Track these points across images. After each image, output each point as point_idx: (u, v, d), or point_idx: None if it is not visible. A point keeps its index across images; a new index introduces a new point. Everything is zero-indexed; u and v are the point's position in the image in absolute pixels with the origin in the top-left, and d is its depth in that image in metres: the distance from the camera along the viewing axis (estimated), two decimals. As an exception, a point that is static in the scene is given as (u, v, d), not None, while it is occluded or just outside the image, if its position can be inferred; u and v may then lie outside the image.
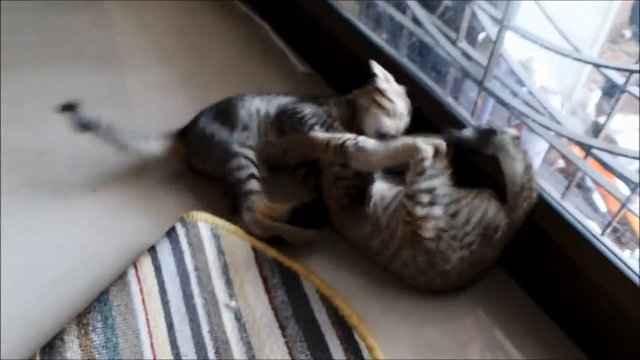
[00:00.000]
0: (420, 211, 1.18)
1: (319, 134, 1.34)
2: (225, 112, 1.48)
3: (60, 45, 1.91)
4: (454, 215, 1.19)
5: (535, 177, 1.21)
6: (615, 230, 1.30)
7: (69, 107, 1.40)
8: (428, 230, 1.18)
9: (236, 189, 1.38)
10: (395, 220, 1.24)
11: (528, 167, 1.20)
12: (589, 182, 1.62)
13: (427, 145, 1.17)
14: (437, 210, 1.18)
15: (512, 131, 1.22)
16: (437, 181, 1.19)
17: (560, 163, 1.80)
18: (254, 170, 1.40)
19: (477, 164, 1.29)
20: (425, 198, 1.18)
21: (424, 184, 1.18)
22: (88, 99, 1.69)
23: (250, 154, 1.42)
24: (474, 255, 1.20)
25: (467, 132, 1.26)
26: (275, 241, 1.33)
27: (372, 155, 1.23)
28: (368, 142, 1.25)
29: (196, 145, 1.47)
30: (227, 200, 1.39)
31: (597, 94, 1.81)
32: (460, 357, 1.22)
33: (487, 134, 1.23)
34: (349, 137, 1.26)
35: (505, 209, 1.21)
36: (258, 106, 1.49)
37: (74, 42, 1.93)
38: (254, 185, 1.38)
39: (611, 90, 1.07)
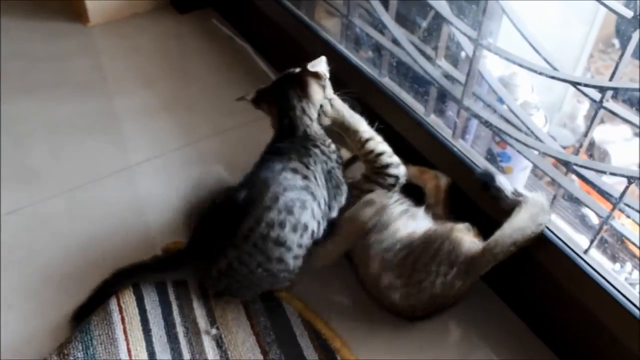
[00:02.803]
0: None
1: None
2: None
3: (46, 72, 1.92)
4: (405, 257, 1.19)
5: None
6: (604, 243, 1.29)
7: None
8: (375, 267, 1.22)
9: None
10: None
11: (535, 233, 1.16)
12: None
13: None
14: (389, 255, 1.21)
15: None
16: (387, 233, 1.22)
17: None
18: None
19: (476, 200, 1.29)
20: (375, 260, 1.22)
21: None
22: (74, 126, 1.71)
23: None
24: (424, 293, 1.19)
25: (506, 188, 1.20)
26: None
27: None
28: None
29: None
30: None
31: (586, 105, 1.80)
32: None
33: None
34: None
35: (473, 248, 1.17)
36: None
37: (59, 68, 1.94)
38: None
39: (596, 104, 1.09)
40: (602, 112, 1.06)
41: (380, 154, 1.29)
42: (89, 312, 1.23)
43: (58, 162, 1.61)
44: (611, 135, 1.82)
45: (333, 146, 1.30)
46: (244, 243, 1.15)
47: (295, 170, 1.20)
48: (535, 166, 1.23)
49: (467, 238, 1.19)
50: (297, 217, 1.17)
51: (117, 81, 1.92)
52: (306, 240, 1.20)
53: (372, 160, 1.30)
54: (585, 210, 1.55)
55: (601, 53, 2.39)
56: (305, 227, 1.18)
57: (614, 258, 1.34)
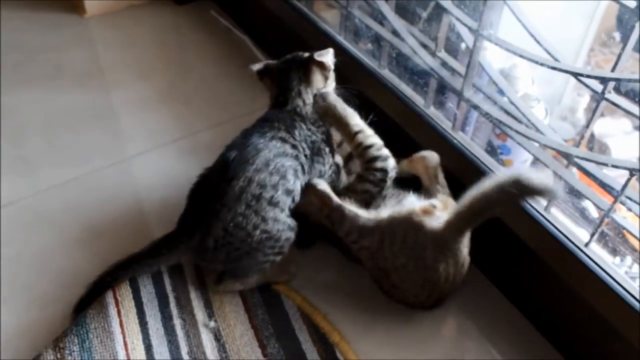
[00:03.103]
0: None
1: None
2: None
3: (42, 63, 1.90)
4: (380, 242, 1.18)
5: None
6: (604, 237, 1.28)
7: None
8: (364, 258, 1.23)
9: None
10: None
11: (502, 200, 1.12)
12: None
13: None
14: (366, 242, 1.20)
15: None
16: (351, 222, 1.21)
17: (551, 169, 1.79)
18: None
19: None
20: (352, 236, 1.22)
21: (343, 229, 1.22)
22: (71, 117, 1.70)
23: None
24: (411, 276, 1.19)
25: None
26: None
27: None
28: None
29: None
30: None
31: (587, 98, 1.79)
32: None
33: None
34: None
35: (437, 226, 1.15)
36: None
37: (56, 60, 1.92)
38: None
39: (597, 95, 1.07)
40: (603, 104, 1.05)
41: (368, 147, 1.27)
42: (87, 306, 1.21)
43: (55, 154, 1.60)
44: (611, 129, 1.81)
45: (323, 128, 1.31)
46: (236, 203, 1.15)
47: (284, 140, 1.23)
48: (536, 158, 1.22)
49: (427, 219, 1.16)
50: (292, 184, 1.20)
51: (114, 73, 1.90)
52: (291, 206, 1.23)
53: (361, 154, 1.28)
54: (585, 204, 1.54)
55: (601, 47, 2.37)
56: (295, 195, 1.22)
57: (614, 251, 1.33)
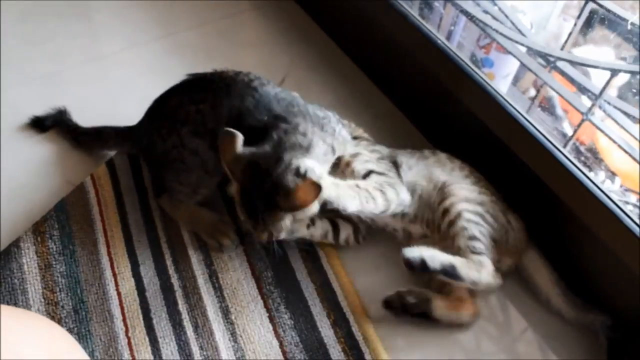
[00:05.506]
0: None
1: None
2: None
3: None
4: None
5: None
6: (580, 154, 1.31)
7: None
8: None
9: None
10: None
11: None
12: (559, 111, 1.62)
13: None
14: None
15: None
16: None
17: (533, 92, 1.80)
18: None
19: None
20: None
21: None
22: (47, 12, 1.65)
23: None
24: None
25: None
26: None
27: None
28: None
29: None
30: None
31: (571, 23, 1.78)
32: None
33: None
34: None
35: None
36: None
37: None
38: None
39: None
40: (589, 6, 1.05)
41: None
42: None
43: (30, 49, 1.56)
44: (593, 57, 1.82)
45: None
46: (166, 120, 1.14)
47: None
48: (521, 63, 1.22)
49: None
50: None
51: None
52: None
53: None
54: (565, 126, 1.57)
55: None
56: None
57: (587, 167, 1.36)
